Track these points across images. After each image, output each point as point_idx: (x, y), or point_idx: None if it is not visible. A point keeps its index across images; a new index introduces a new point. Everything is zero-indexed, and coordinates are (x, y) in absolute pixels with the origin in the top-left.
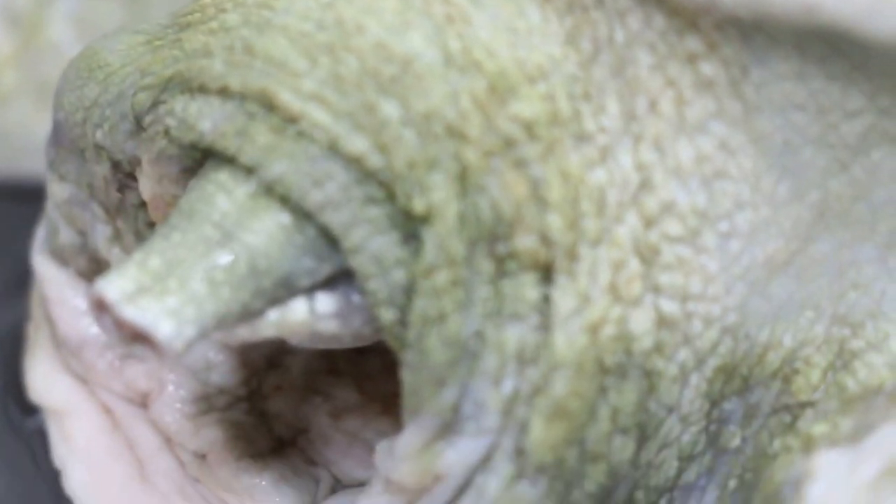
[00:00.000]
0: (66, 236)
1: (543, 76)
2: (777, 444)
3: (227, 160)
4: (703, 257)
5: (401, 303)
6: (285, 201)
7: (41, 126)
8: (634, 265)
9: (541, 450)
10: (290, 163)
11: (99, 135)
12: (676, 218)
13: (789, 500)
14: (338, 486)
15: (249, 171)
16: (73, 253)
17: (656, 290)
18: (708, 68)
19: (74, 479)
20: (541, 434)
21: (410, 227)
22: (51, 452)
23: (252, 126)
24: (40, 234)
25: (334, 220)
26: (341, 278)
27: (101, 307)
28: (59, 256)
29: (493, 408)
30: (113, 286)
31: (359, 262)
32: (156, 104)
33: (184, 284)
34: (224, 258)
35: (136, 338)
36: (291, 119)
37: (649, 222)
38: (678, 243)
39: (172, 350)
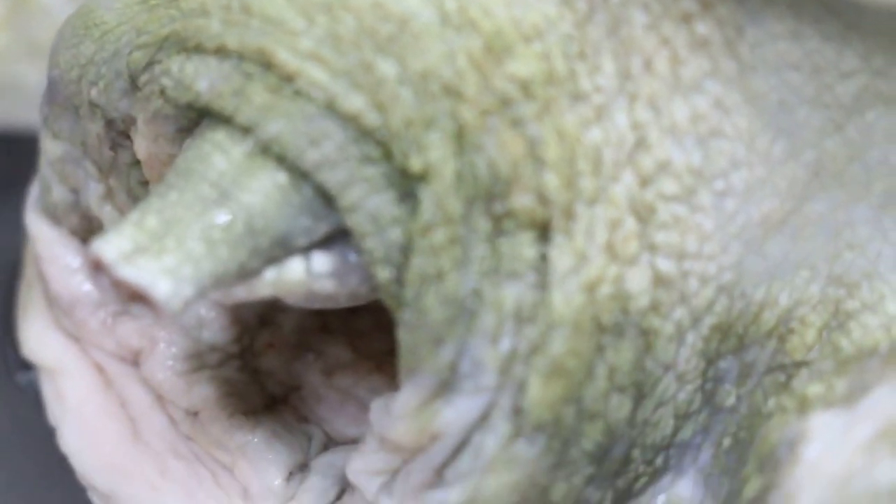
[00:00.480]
0: (59, 194)
1: (539, 35)
2: (772, 403)
3: (223, 120)
4: (698, 216)
5: (397, 261)
6: (282, 161)
7: (35, 80)
8: (631, 224)
9: (538, 408)
10: (286, 122)
11: (94, 92)
12: (672, 177)
13: (784, 460)
14: (330, 443)
15: (246, 130)
16: (66, 211)
17: (652, 248)
18: (702, 27)
19: (68, 437)
20: (538, 393)
21: (407, 185)
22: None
23: (249, 86)
24: (33, 192)
25: (331, 179)
26: (338, 237)
27: (97, 267)
28: (52, 214)
29: (490, 366)
30: (110, 246)
31: (355, 221)
32: (151, 63)
33: (181, 243)
34: (221, 217)
35: (133, 297)
36: (288, 78)
37: (645, 181)
38: (674, 202)
39: (170, 309)
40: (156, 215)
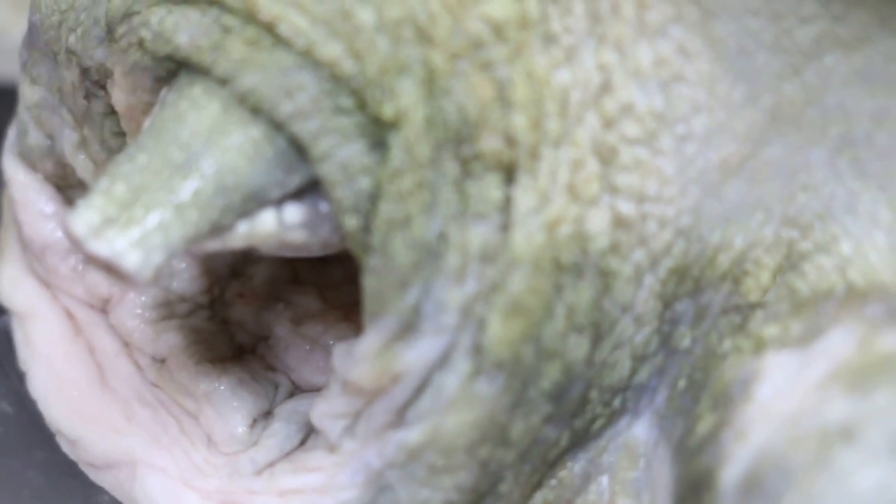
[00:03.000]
0: (35, 139)
1: None
2: (727, 344)
3: (201, 72)
4: (659, 159)
5: (365, 209)
6: (257, 112)
7: (17, 29)
8: (593, 165)
9: (498, 346)
10: (262, 75)
11: (72, 39)
12: (634, 120)
13: (737, 398)
14: (296, 391)
15: (223, 82)
16: (41, 156)
17: (613, 190)
18: None
19: (36, 382)
20: (498, 331)
21: (379, 134)
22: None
23: (227, 39)
24: (10, 136)
25: (304, 129)
26: (309, 188)
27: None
28: (28, 159)
29: (452, 306)
30: (80, 220)
31: (325, 171)
32: (129, 14)
33: (149, 211)
34: (190, 180)
35: (107, 269)
36: (269, 24)
37: (608, 123)
38: (636, 145)
39: (140, 280)
40: (124, 181)
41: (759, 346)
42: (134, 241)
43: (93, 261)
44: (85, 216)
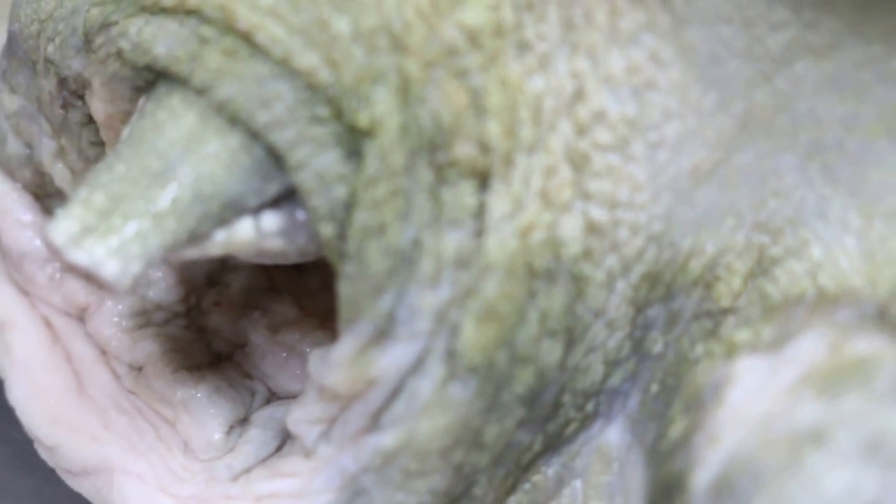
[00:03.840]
0: (14, 147)
1: None
2: (699, 349)
3: (179, 82)
4: (631, 166)
5: (341, 217)
6: (234, 122)
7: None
8: (566, 172)
9: (471, 351)
10: (239, 84)
11: (50, 49)
12: (607, 127)
13: (709, 403)
14: (273, 398)
15: (200, 92)
16: (20, 164)
17: (586, 196)
18: None
19: (14, 390)
20: (472, 336)
21: (354, 142)
22: None
23: (205, 50)
24: None
25: (280, 138)
26: (287, 197)
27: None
28: (7, 167)
29: (426, 312)
30: (59, 230)
31: (302, 179)
32: (107, 24)
33: (127, 220)
34: (168, 189)
35: (87, 278)
36: (247, 34)
37: (581, 130)
38: (608, 151)
39: (120, 288)
40: (103, 191)
41: (731, 351)
42: (113, 250)
43: (72, 269)
44: (64, 225)
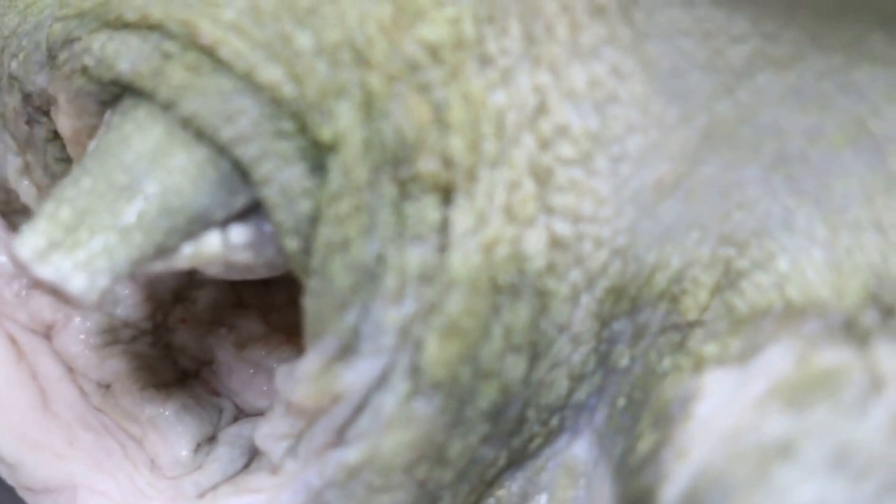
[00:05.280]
0: None
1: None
2: (667, 363)
3: (145, 96)
4: (594, 180)
5: (306, 232)
6: (200, 136)
7: None
8: (529, 186)
9: (435, 367)
10: (203, 99)
11: (14, 65)
12: (570, 141)
13: (677, 417)
14: (240, 415)
15: (166, 107)
16: None
17: (549, 211)
18: None
19: None
20: (435, 351)
21: (318, 157)
22: None
23: (168, 66)
24: None
25: (245, 153)
26: (254, 210)
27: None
28: None
29: (390, 327)
30: (25, 245)
31: (267, 194)
32: (70, 40)
33: (94, 235)
34: (135, 203)
35: (53, 293)
36: (210, 49)
37: (544, 144)
38: (571, 165)
39: (87, 303)
40: (69, 205)
41: (699, 364)
42: (79, 265)
43: (39, 285)
44: (30, 240)
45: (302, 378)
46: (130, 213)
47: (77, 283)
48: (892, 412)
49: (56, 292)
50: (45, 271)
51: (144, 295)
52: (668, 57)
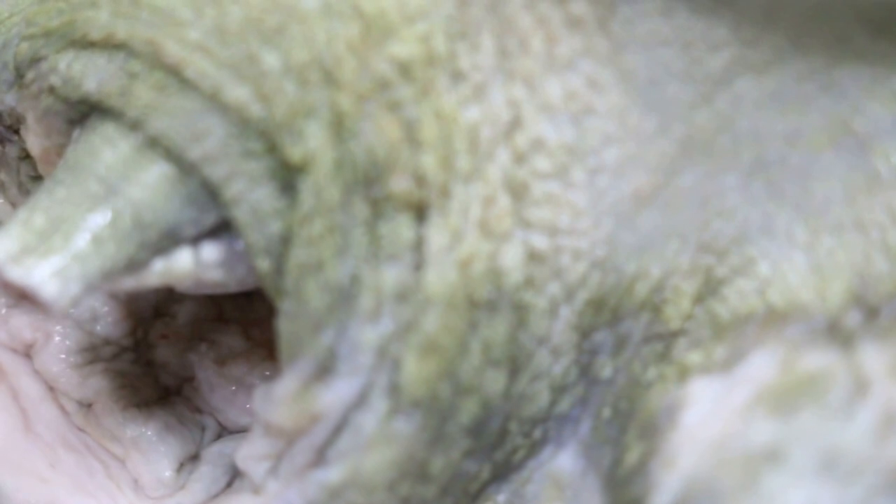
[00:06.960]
0: None
1: (423, 15)
2: (651, 372)
3: (113, 115)
4: (571, 192)
5: (277, 252)
6: (168, 154)
7: None
8: (504, 201)
9: (414, 385)
10: (170, 119)
11: None
12: (545, 154)
13: (664, 427)
14: (223, 432)
15: (134, 126)
16: None
17: (526, 225)
18: (577, 7)
19: None
20: (414, 369)
21: (288, 177)
22: None
23: (134, 85)
24: None
25: (214, 173)
26: (225, 227)
27: None
28: None
29: (367, 347)
30: None
31: (237, 214)
32: (37, 59)
33: (67, 242)
34: (108, 213)
35: (22, 297)
36: (175, 69)
37: (519, 159)
38: (547, 179)
39: (58, 309)
40: (43, 213)
41: (683, 374)
42: (53, 270)
43: (9, 288)
44: (3, 244)
45: (280, 399)
46: (104, 223)
47: (49, 290)
48: (878, 414)
49: (26, 296)
50: (17, 274)
51: (124, 312)
52: (646, 68)
